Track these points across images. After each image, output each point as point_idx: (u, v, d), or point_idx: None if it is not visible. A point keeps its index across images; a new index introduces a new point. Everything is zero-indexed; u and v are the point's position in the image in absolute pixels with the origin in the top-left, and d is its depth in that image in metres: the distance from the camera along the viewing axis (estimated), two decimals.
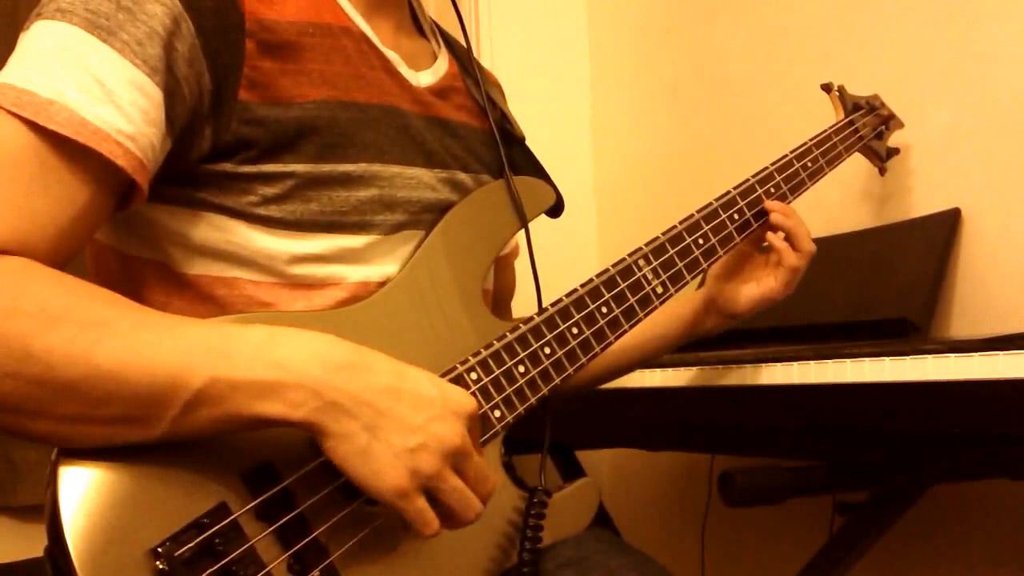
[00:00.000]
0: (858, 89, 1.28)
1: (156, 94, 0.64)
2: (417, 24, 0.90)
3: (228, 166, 0.70)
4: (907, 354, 0.86)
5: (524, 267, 0.91)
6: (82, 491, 0.58)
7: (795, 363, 0.97)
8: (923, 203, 1.40)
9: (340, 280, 0.75)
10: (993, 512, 1.33)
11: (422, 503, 0.63)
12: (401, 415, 0.62)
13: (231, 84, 0.68)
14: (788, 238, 0.97)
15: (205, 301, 0.72)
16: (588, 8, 2.19)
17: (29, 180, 0.60)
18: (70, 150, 0.61)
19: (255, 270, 0.72)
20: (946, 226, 1.32)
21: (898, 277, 1.31)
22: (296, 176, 0.71)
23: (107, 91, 0.62)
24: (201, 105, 0.68)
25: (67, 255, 0.64)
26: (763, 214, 0.97)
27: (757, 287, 0.98)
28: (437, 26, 0.93)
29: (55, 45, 0.62)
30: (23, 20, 0.65)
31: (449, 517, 0.65)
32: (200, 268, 0.72)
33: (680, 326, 1.04)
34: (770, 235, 0.98)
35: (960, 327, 1.32)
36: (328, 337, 0.64)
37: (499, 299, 0.97)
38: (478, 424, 0.68)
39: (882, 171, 1.35)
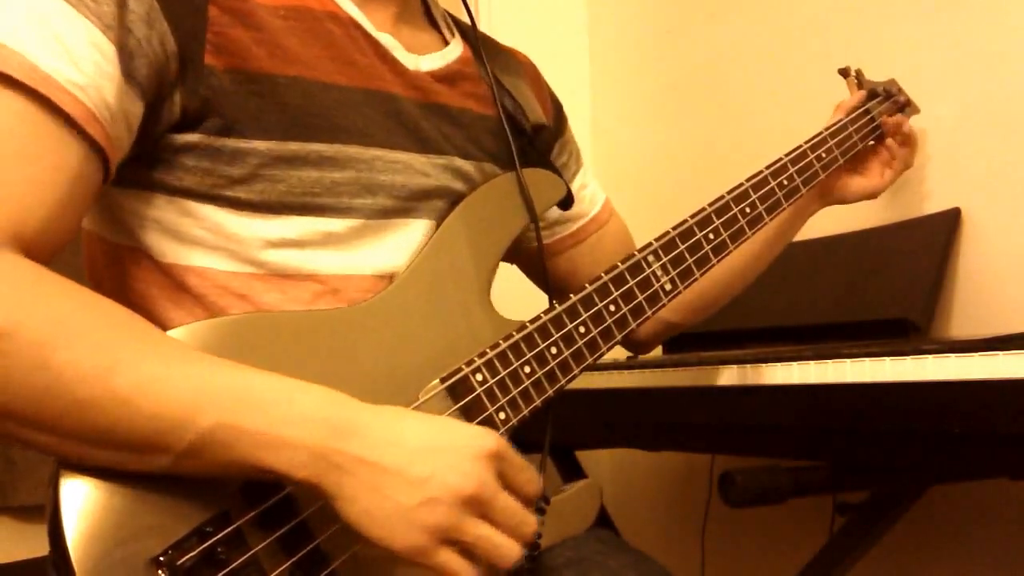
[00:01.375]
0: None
1: (109, 49, 0.64)
2: (430, 17, 0.89)
3: (192, 137, 0.69)
4: (907, 354, 0.86)
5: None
6: (83, 498, 0.58)
7: (795, 363, 0.97)
8: (924, 203, 1.40)
9: (315, 272, 0.74)
10: (993, 512, 1.33)
11: (444, 556, 0.62)
12: (406, 470, 0.61)
13: (195, 48, 0.68)
14: (903, 142, 1.18)
15: (180, 290, 0.71)
16: (588, 8, 2.19)
17: (18, 148, 0.60)
18: (32, 103, 0.60)
19: (227, 257, 0.71)
20: (946, 226, 1.31)
21: (898, 277, 1.31)
22: (259, 154, 0.70)
23: (63, 45, 0.62)
24: (167, 70, 0.67)
25: (65, 235, 0.63)
26: (777, 206, 0.96)
27: (868, 180, 1.15)
28: (452, 17, 0.92)
29: (16, 1, 0.62)
30: None
31: (487, 564, 0.63)
32: (173, 256, 0.71)
33: (794, 215, 1.09)
34: (889, 141, 1.16)
35: (960, 327, 1.32)
36: (339, 398, 0.63)
37: (621, 246, 1.00)
38: (512, 461, 0.66)
39: None
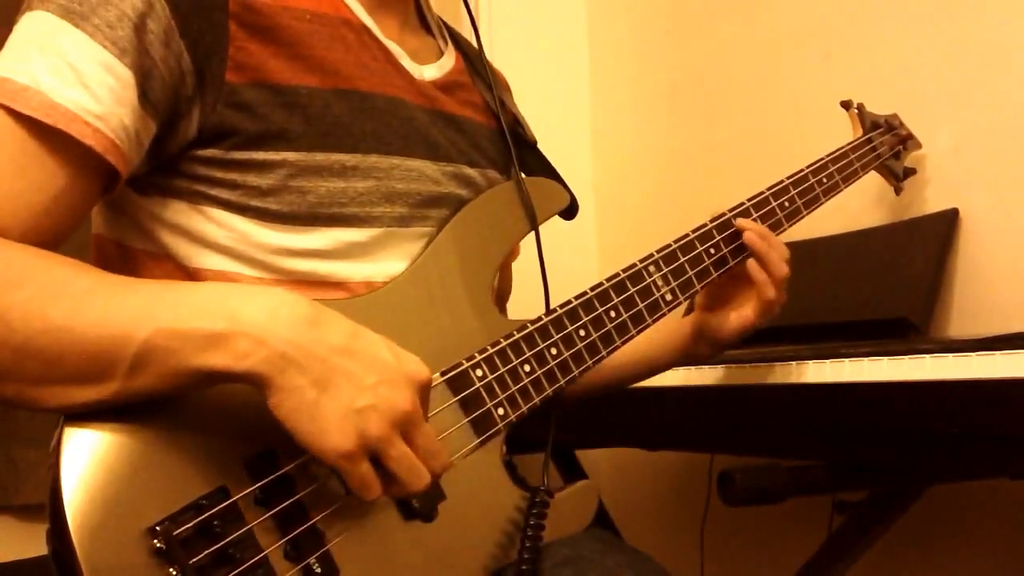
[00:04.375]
0: (857, 88, 1.28)
1: (125, 74, 0.65)
2: (424, 22, 0.90)
3: (217, 152, 0.69)
4: (905, 354, 0.86)
5: (529, 267, 0.91)
6: (83, 467, 0.59)
7: (795, 363, 0.98)
8: (923, 203, 1.41)
9: (344, 280, 0.75)
10: (993, 512, 1.33)
11: (366, 467, 0.61)
12: (352, 373, 0.61)
13: (215, 65, 0.68)
14: (763, 265, 0.91)
15: None
16: (588, 8, 2.19)
17: (8, 163, 0.63)
18: (44, 134, 0.63)
19: (256, 267, 0.72)
20: (944, 226, 1.32)
21: (898, 277, 1.31)
22: (288, 165, 0.71)
23: (78, 74, 0.64)
24: (184, 86, 0.68)
25: (48, 239, 0.64)
26: (776, 227, 0.95)
27: (738, 317, 0.94)
28: (444, 24, 0.93)
29: (33, 33, 0.65)
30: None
31: (394, 484, 0.63)
32: (204, 263, 0.72)
33: (670, 353, 1.01)
34: (749, 263, 0.91)
35: (959, 327, 1.32)
36: (283, 292, 0.63)
37: (496, 300, 0.97)
38: (428, 397, 0.66)
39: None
